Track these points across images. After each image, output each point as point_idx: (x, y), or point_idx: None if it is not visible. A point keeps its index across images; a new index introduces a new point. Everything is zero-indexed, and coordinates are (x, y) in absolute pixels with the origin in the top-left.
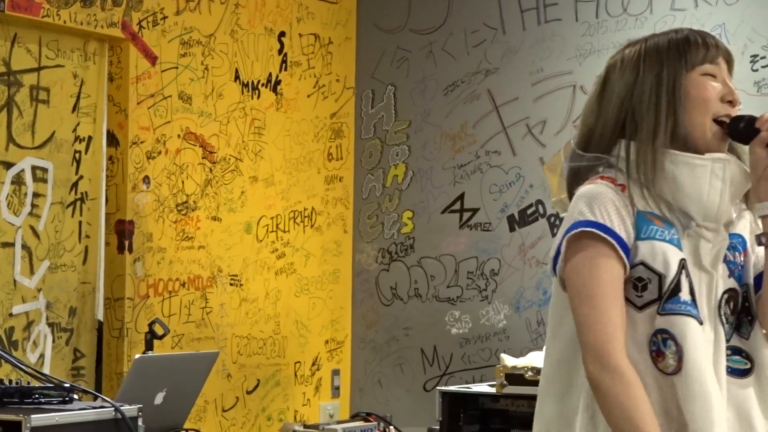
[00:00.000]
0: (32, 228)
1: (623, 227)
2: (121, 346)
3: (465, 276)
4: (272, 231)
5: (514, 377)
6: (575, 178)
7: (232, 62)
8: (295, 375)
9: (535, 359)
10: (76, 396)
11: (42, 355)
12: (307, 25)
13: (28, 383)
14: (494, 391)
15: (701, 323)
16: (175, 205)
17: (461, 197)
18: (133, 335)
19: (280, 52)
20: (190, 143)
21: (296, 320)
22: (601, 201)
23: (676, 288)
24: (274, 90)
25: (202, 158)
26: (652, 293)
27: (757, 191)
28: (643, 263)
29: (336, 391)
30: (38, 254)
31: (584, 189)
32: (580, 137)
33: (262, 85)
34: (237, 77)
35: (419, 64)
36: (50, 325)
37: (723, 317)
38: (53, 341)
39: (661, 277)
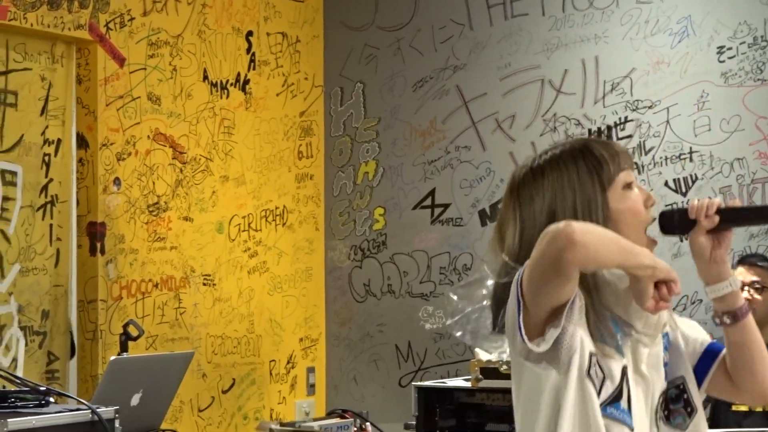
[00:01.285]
0: (2, 232)
1: (579, 305)
2: (95, 348)
3: (438, 271)
4: (244, 230)
5: (489, 371)
6: (506, 292)
7: (201, 62)
8: (270, 373)
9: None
10: (52, 399)
11: (15, 359)
12: (275, 24)
13: (3, 387)
14: (469, 386)
15: (632, 430)
16: (147, 206)
17: (432, 193)
18: (107, 337)
19: (248, 51)
20: (159, 144)
21: (270, 319)
22: None
23: (619, 395)
24: (243, 89)
25: (173, 159)
26: (595, 388)
27: (707, 276)
28: (596, 356)
29: (311, 388)
30: (9, 258)
31: None
32: (507, 251)
33: (231, 84)
34: (205, 77)
35: (387, 61)
36: (22, 328)
37: (660, 420)
38: (26, 344)
39: (605, 378)
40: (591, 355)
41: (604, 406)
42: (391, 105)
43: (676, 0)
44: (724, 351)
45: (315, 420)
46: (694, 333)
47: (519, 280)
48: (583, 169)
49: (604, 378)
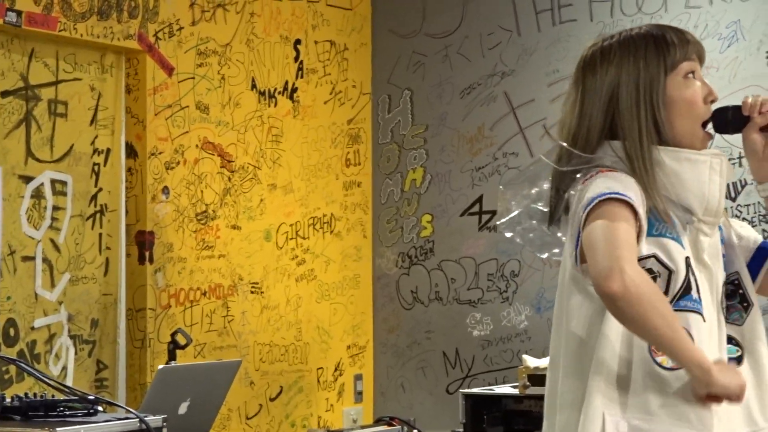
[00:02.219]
0: (52, 241)
1: (642, 207)
2: (144, 357)
3: (485, 278)
4: (292, 238)
5: (537, 378)
6: (565, 181)
7: (249, 71)
8: (318, 381)
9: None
10: (100, 408)
11: (64, 368)
12: (323, 32)
13: (53, 396)
14: (517, 392)
15: (705, 320)
16: (195, 215)
17: (480, 199)
18: (155, 345)
19: (296, 59)
20: (208, 153)
21: (318, 326)
22: (624, 181)
23: (689, 286)
24: (291, 97)
25: (221, 167)
26: (660, 287)
27: (759, 174)
28: (655, 256)
29: (359, 396)
30: (59, 267)
31: (597, 179)
32: (567, 139)
33: (279, 92)
34: (253, 86)
35: (435, 68)
36: (72, 337)
37: (723, 309)
38: (75, 353)
39: (671, 273)
40: (640, 259)
41: (676, 300)
42: (438, 112)
43: (725, 4)
44: None
45: (362, 427)
46: (746, 231)
47: (581, 224)
48: (651, 49)
49: (670, 273)
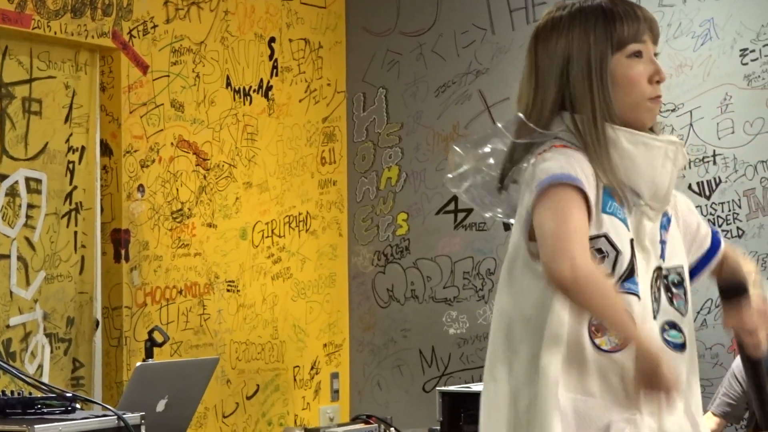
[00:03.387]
0: (27, 239)
1: (591, 190)
2: (120, 355)
3: (461, 276)
4: (267, 236)
5: None
6: (518, 152)
7: (223, 69)
8: (294, 379)
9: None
10: (78, 405)
11: (40, 366)
12: (297, 31)
13: (30, 394)
14: None
15: (639, 299)
16: (170, 213)
17: (455, 198)
18: (131, 344)
19: (270, 57)
20: (183, 151)
21: (294, 324)
22: (576, 160)
23: (633, 269)
24: (266, 96)
25: (196, 165)
26: (607, 267)
27: None
28: (606, 236)
29: (335, 394)
30: (34, 265)
31: (550, 154)
32: (523, 110)
33: (254, 91)
34: (228, 84)
35: (410, 67)
36: (48, 335)
37: (653, 294)
38: (51, 351)
39: (618, 255)
40: (591, 238)
41: (621, 282)
42: (413, 110)
43: (699, 3)
44: (721, 253)
45: (339, 426)
46: (694, 220)
47: (530, 205)
48: (600, 24)
49: (617, 255)
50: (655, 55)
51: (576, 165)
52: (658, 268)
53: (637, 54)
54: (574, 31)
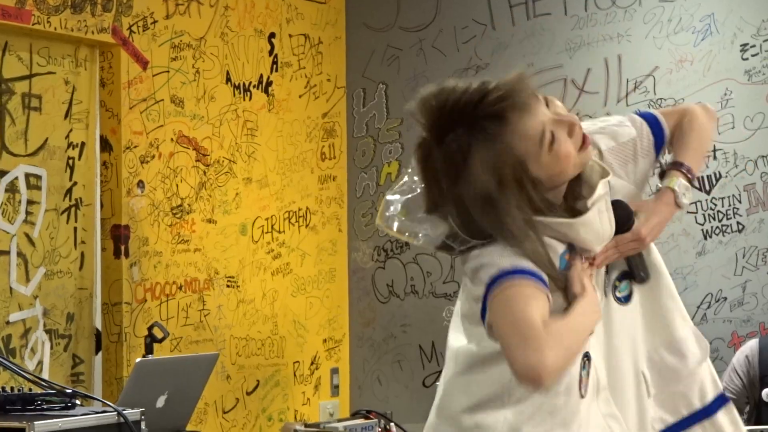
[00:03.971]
0: (27, 235)
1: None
2: (120, 351)
3: (461, 271)
4: (267, 232)
5: None
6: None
7: (223, 65)
8: (294, 375)
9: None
10: (78, 402)
11: (40, 362)
12: (297, 26)
13: (30, 390)
14: None
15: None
16: (170, 209)
17: None
18: (131, 340)
19: (270, 53)
20: (183, 146)
21: (294, 320)
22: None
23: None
24: (266, 91)
25: (196, 161)
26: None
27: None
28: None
29: (335, 389)
30: (34, 261)
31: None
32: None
33: (254, 86)
34: (228, 79)
35: (410, 62)
36: (48, 331)
37: (608, 290)
38: (51, 348)
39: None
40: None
41: None
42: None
43: None
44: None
45: (339, 421)
46: (629, 153)
47: (483, 297)
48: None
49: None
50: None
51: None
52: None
53: (551, 142)
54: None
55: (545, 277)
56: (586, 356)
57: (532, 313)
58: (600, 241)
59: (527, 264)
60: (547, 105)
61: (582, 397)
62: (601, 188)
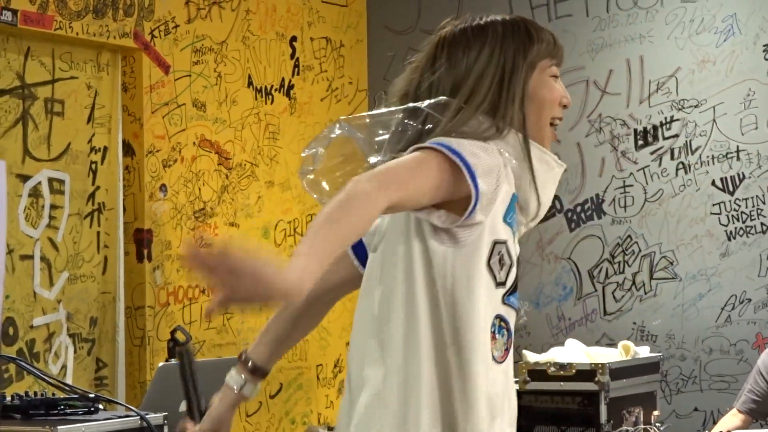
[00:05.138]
0: (50, 240)
1: (490, 182)
2: (143, 355)
3: None
4: (290, 235)
5: (537, 373)
6: (421, 137)
7: (245, 68)
8: (318, 378)
9: (557, 354)
10: (101, 406)
11: (64, 366)
12: (318, 29)
13: (53, 395)
14: (517, 388)
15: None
16: (193, 213)
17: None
18: (154, 343)
19: (292, 56)
20: (205, 150)
21: None
22: (490, 155)
23: (516, 284)
24: (288, 95)
25: (218, 165)
26: (503, 275)
27: None
28: (506, 245)
29: None
30: (57, 266)
31: (465, 140)
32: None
33: (276, 90)
34: (250, 83)
35: None
36: (71, 335)
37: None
38: (75, 352)
39: (511, 266)
40: (495, 243)
41: (508, 295)
42: None
43: None
44: None
45: None
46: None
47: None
48: (525, 41)
49: (511, 266)
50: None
51: (489, 158)
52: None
53: (555, 76)
54: (499, 41)
55: (485, 182)
56: (500, 318)
57: (422, 170)
58: (537, 208)
59: (476, 158)
60: None
61: (496, 362)
62: (558, 168)
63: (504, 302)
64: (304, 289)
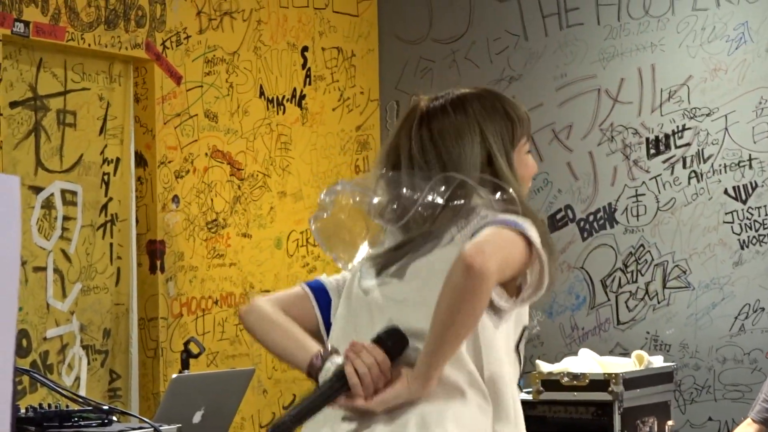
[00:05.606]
0: (63, 251)
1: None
2: (157, 366)
3: None
4: (302, 245)
5: (550, 383)
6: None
7: (257, 79)
8: None
9: (570, 364)
10: (115, 418)
11: (77, 378)
12: (330, 39)
13: (67, 407)
14: (531, 398)
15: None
16: (205, 223)
17: None
18: (168, 355)
19: (303, 66)
20: (217, 161)
21: None
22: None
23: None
24: (299, 105)
25: (230, 175)
26: (521, 361)
27: None
28: (528, 332)
29: None
30: (70, 277)
31: (522, 218)
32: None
33: (287, 100)
34: (262, 93)
35: (443, 74)
36: (85, 347)
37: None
38: (88, 363)
39: (520, 361)
40: (525, 329)
41: (520, 380)
42: None
43: (733, 6)
44: None
45: None
46: None
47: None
48: (507, 123)
49: (520, 360)
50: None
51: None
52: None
53: (528, 152)
54: (487, 123)
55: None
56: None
57: (516, 253)
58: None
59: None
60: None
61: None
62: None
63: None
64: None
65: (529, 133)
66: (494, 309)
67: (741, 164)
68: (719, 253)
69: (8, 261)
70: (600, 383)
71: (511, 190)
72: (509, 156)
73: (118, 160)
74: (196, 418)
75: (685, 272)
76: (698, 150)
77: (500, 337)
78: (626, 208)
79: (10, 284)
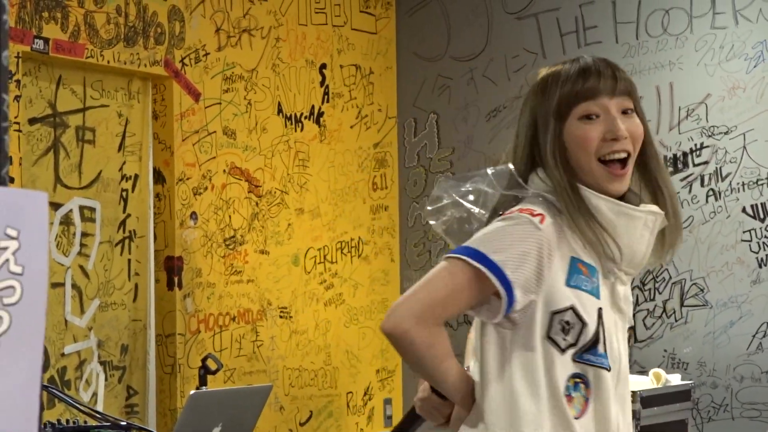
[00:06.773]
0: (81, 267)
1: (535, 269)
2: (174, 382)
3: None
4: (320, 262)
5: None
6: (510, 202)
7: (275, 96)
8: (348, 405)
9: None
10: None
11: (95, 394)
12: (348, 56)
13: (85, 422)
14: None
15: (609, 370)
16: (223, 240)
17: None
18: (185, 371)
19: (321, 84)
20: (235, 178)
21: (346, 350)
22: (520, 234)
23: (596, 340)
24: (317, 122)
25: (248, 192)
26: (572, 338)
27: None
28: (573, 308)
29: (388, 420)
30: (88, 293)
31: (499, 222)
32: (512, 162)
33: (305, 117)
34: (280, 110)
35: (461, 91)
36: (102, 363)
37: (628, 349)
38: (106, 379)
39: (584, 326)
40: (554, 314)
41: (581, 352)
42: (464, 135)
43: (751, 25)
44: None
45: None
46: None
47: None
48: (553, 89)
49: (582, 326)
50: (628, 110)
51: (522, 241)
52: (631, 328)
53: (589, 116)
54: (539, 95)
55: (519, 277)
56: (574, 376)
57: (448, 287)
58: (629, 254)
59: (501, 251)
60: (625, 112)
61: (576, 419)
62: (654, 208)
63: (576, 360)
64: None
65: (587, 95)
66: (501, 322)
67: (759, 182)
68: (737, 271)
69: (37, 277)
70: None
71: (510, 167)
72: (537, 134)
73: (136, 176)
74: None
75: (702, 290)
76: (716, 168)
77: (518, 342)
78: None
79: (39, 300)
